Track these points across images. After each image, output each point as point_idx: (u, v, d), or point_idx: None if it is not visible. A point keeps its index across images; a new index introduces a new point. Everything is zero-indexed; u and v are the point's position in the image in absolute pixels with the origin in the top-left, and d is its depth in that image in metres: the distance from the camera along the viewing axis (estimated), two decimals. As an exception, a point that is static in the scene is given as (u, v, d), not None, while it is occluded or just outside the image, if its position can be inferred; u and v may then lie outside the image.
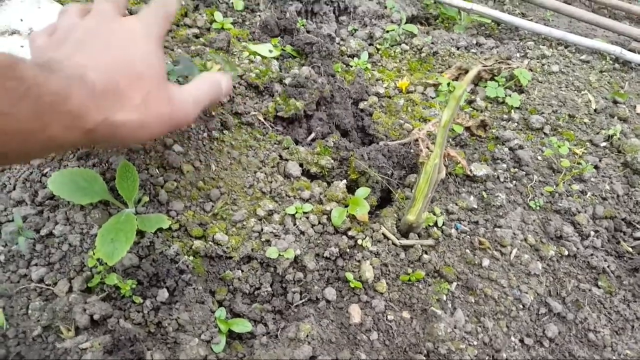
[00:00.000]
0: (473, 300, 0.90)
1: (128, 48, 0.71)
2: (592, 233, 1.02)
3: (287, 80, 1.13)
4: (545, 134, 1.21)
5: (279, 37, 1.31)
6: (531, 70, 1.36)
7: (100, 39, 0.71)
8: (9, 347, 0.74)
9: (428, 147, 0.98)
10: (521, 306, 0.90)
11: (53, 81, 0.57)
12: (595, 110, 1.28)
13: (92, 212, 0.87)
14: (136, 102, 0.68)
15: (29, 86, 0.53)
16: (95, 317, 0.76)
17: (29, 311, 0.76)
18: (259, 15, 1.39)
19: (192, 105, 0.78)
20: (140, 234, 0.85)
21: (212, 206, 0.94)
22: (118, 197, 0.88)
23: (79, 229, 0.85)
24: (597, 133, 1.22)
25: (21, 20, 1.19)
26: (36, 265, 0.81)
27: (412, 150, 1.07)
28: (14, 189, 0.89)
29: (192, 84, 0.81)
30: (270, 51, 1.22)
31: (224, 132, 1.05)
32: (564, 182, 1.10)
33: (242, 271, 0.88)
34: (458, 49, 1.43)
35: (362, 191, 0.97)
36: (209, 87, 0.82)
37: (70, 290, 0.79)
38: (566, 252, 0.99)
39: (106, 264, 0.77)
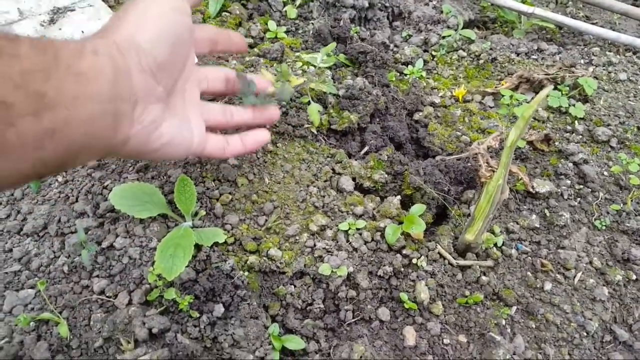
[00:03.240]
0: (534, 326, 0.86)
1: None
2: (663, 256, 0.96)
3: (341, 92, 1.11)
4: (611, 147, 1.15)
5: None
6: (596, 78, 1.29)
7: None
8: (72, 357, 0.76)
9: (488, 163, 0.94)
10: (585, 333, 0.86)
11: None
12: (667, 121, 1.20)
13: (152, 225, 0.89)
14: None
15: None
16: (154, 330, 0.77)
17: (91, 322, 0.79)
18: (312, 24, 1.38)
19: None
20: (197, 247, 0.87)
21: (266, 220, 0.95)
22: (176, 210, 0.90)
23: (138, 242, 0.87)
24: (669, 147, 1.15)
25: (82, 32, 1.23)
26: (97, 277, 0.84)
27: (469, 165, 1.03)
28: (77, 200, 0.92)
29: None
30: (324, 61, 1.21)
31: (278, 144, 1.05)
32: (632, 201, 1.04)
33: (295, 286, 0.88)
34: (518, 55, 1.38)
35: (417, 208, 0.95)
36: None
37: (130, 302, 0.81)
38: (634, 277, 0.93)
39: (165, 278, 0.78)
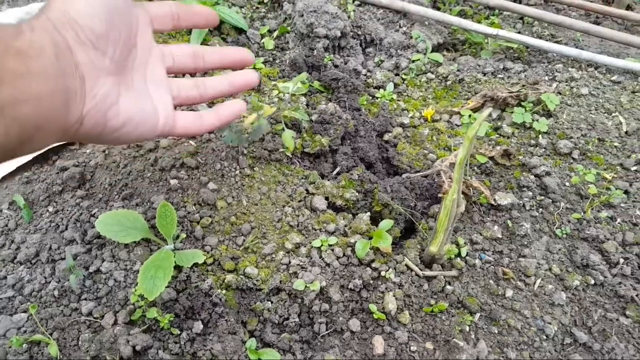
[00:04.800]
0: (496, 331, 0.92)
1: None
2: (622, 260, 1.02)
3: (314, 117, 1.19)
4: (573, 158, 1.21)
5: (308, 74, 1.37)
6: (560, 94, 1.36)
7: None
8: (62, 375, 0.82)
9: (450, 179, 1.01)
10: (544, 336, 0.91)
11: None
12: (626, 132, 1.27)
13: (135, 250, 0.95)
14: None
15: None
16: (137, 348, 0.83)
17: (80, 342, 0.84)
18: (289, 54, 1.46)
19: None
20: (178, 268, 0.93)
21: (244, 240, 1.01)
22: (158, 234, 0.96)
23: (123, 266, 0.93)
24: (628, 157, 1.21)
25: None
26: (85, 299, 0.90)
27: (435, 181, 1.10)
28: (66, 228, 0.99)
29: None
30: (297, 89, 1.28)
31: (255, 168, 1.12)
32: (592, 209, 1.10)
33: (272, 302, 0.93)
34: (484, 75, 1.45)
35: (385, 223, 1.01)
36: None
37: (116, 322, 0.87)
38: (592, 281, 0.99)
39: (147, 298, 0.84)
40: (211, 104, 1.18)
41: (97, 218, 0.97)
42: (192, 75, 1.11)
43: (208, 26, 0.79)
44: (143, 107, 0.70)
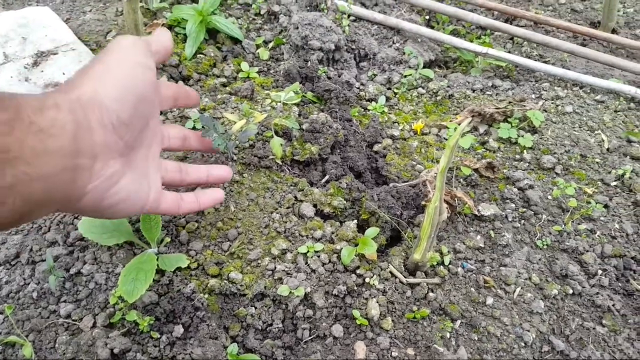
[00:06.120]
0: (476, 338, 0.92)
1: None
2: (600, 272, 1.03)
3: (305, 126, 1.20)
4: (556, 173, 1.23)
5: (301, 84, 1.39)
6: (545, 111, 1.39)
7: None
8: (38, 376, 0.81)
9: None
10: (523, 344, 0.92)
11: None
12: (607, 149, 1.29)
13: (118, 252, 0.95)
14: None
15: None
16: (115, 351, 0.82)
17: (56, 345, 0.83)
18: (283, 65, 1.48)
19: None
20: (161, 272, 0.93)
21: (230, 245, 1.01)
22: (142, 237, 0.96)
23: (105, 268, 0.93)
24: (609, 172, 1.23)
25: (63, 73, 1.31)
26: (65, 302, 0.89)
27: (422, 191, 1.11)
28: (49, 230, 0.98)
29: None
30: (290, 98, 1.30)
31: (244, 175, 1.12)
32: (572, 222, 1.11)
33: (255, 308, 0.93)
34: (473, 91, 1.48)
35: (371, 231, 1.01)
36: None
37: (94, 325, 0.86)
38: (570, 291, 1.00)
39: (127, 301, 0.84)
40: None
41: (80, 220, 0.97)
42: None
43: (194, 106, 0.93)
44: (139, 187, 0.71)
